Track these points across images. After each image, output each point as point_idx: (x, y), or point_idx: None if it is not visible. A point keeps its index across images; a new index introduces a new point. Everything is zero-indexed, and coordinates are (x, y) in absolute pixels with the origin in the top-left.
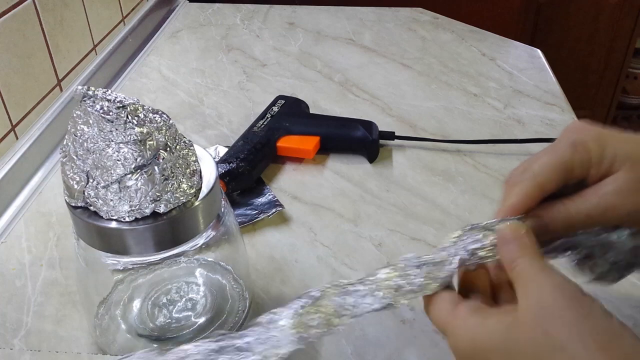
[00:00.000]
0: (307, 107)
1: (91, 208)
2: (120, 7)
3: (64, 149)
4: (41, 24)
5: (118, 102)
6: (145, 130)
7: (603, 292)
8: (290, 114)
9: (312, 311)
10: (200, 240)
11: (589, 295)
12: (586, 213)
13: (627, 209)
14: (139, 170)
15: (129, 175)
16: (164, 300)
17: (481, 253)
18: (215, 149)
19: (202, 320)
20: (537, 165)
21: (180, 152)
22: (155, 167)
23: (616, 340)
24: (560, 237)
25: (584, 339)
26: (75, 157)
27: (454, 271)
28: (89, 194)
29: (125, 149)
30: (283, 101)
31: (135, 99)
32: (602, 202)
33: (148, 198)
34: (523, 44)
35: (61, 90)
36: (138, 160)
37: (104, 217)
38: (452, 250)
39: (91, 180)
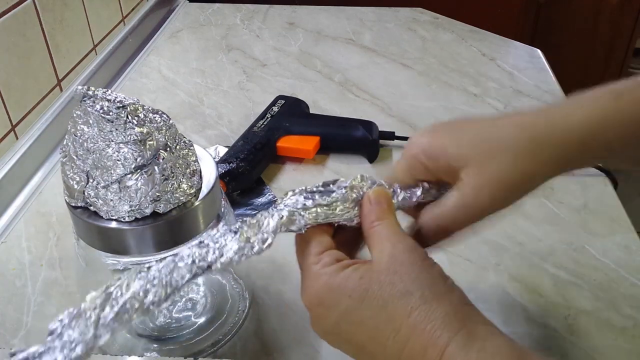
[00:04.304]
0: (307, 107)
1: (91, 208)
2: (120, 7)
3: (64, 149)
4: (41, 24)
5: (118, 102)
6: (145, 130)
7: (604, 292)
8: (290, 114)
9: None
10: None
11: (432, 259)
12: (451, 218)
13: (479, 210)
14: (139, 170)
15: (129, 175)
16: None
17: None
18: (215, 149)
19: (202, 320)
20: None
21: (180, 152)
22: (155, 167)
23: (447, 295)
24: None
25: (423, 289)
26: (75, 157)
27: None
28: (89, 194)
29: (125, 149)
30: (283, 101)
31: (135, 99)
32: (453, 211)
33: (148, 198)
34: (523, 44)
35: (61, 90)
36: (138, 160)
37: (104, 217)
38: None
39: (91, 180)
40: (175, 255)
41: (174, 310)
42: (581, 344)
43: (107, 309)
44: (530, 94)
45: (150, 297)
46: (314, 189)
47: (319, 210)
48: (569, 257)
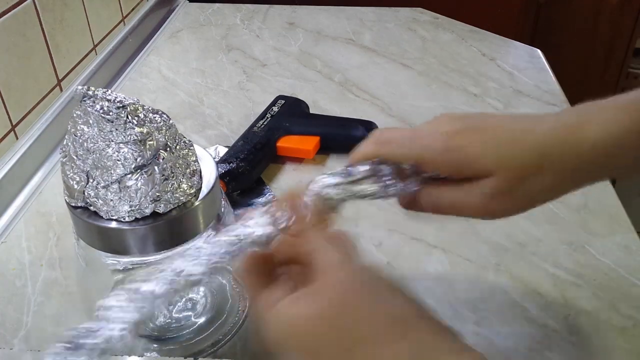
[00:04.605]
0: (307, 107)
1: (91, 208)
2: (120, 7)
3: (64, 149)
4: (41, 24)
5: (118, 102)
6: (145, 130)
7: (604, 292)
8: (290, 114)
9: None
10: None
11: (371, 269)
12: (454, 202)
13: (490, 211)
14: (139, 170)
15: (129, 175)
16: None
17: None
18: (215, 149)
19: (202, 320)
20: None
21: (180, 152)
22: (155, 167)
23: (399, 337)
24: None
25: (373, 335)
26: (75, 157)
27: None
28: (89, 194)
29: (125, 149)
30: (283, 101)
31: (135, 99)
32: (467, 201)
33: (148, 198)
34: (523, 44)
35: (61, 90)
36: (138, 160)
37: (104, 217)
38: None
39: (91, 180)
40: (220, 236)
41: (174, 310)
42: (581, 344)
43: (154, 283)
44: (530, 94)
45: (196, 275)
46: (336, 172)
47: (346, 187)
48: (569, 257)
